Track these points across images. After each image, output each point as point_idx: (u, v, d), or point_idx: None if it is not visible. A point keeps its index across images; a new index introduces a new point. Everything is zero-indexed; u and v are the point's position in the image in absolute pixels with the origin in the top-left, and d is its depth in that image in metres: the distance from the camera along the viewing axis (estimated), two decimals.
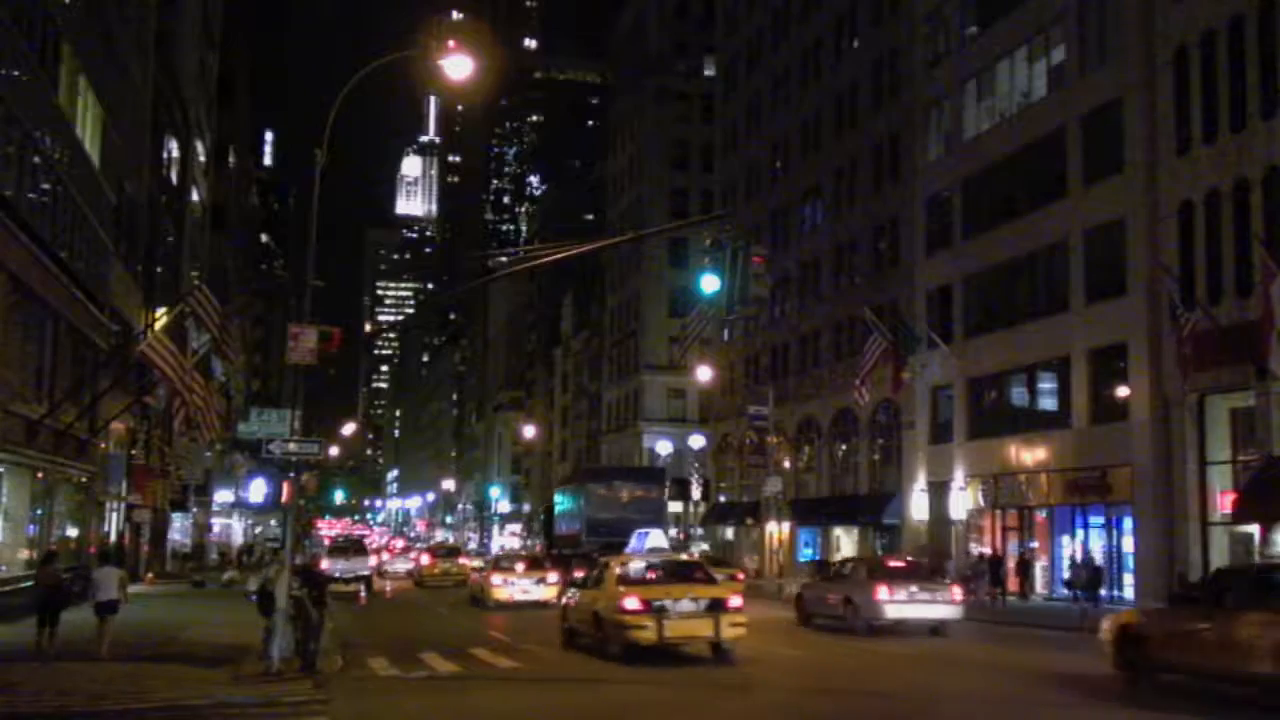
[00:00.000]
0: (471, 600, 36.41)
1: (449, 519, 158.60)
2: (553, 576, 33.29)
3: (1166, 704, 14.53)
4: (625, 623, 18.76)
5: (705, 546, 61.53)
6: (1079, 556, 36.17)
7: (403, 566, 58.25)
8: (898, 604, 23.92)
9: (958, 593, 25.40)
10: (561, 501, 56.51)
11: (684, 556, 26.77)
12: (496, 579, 34.45)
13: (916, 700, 15.65)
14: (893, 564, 27.73)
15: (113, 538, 39.64)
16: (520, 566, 36.17)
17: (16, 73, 25.71)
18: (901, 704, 15.41)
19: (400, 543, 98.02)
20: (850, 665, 19.42)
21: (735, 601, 19.36)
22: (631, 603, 18.80)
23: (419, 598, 41.25)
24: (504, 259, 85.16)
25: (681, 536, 73.18)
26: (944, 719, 14.70)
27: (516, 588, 33.74)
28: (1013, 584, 37.80)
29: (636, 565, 20.94)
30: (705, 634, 18.95)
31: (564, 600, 23.44)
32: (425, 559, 53.79)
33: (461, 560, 52.21)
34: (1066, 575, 36.42)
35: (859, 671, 18.54)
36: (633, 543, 24.74)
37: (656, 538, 24.12)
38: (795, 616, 27.32)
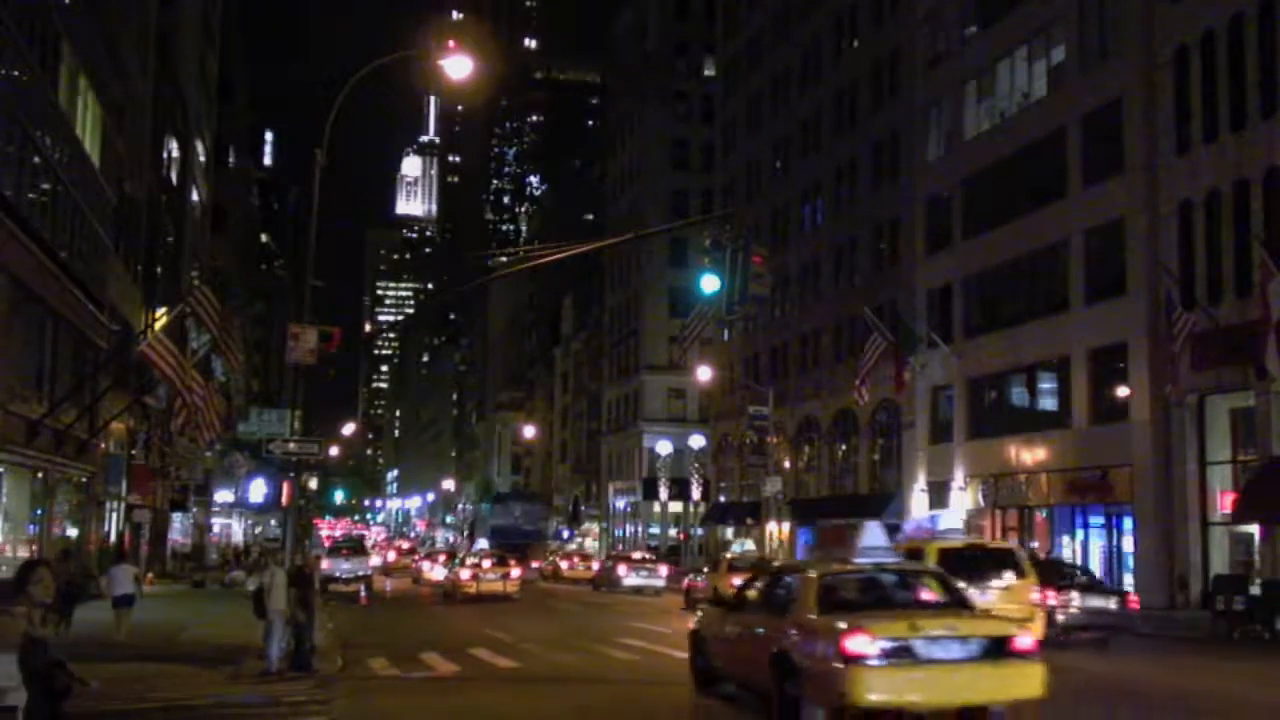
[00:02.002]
0: (414, 580, 53.18)
1: (449, 519, 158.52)
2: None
3: None
4: (461, 583, 38.76)
5: (559, 544, 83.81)
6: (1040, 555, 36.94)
7: (378, 561, 71.72)
8: (630, 577, 43.31)
9: (663, 570, 44.96)
10: (480, 513, 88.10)
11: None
12: (426, 565, 53.60)
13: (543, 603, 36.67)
14: (634, 555, 49.68)
15: (113, 538, 39.65)
16: (443, 558, 53.07)
17: (16, 73, 25.70)
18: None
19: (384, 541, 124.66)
20: (604, 601, 38.22)
21: (515, 572, 40.33)
22: (465, 573, 39.30)
23: (405, 590, 48.17)
24: (504, 259, 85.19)
25: (681, 536, 73.35)
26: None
27: (439, 572, 48.16)
28: None
29: (474, 556, 42.98)
30: (499, 589, 38.37)
31: (447, 576, 42.30)
32: (392, 555, 78.80)
33: (415, 555, 73.26)
34: None
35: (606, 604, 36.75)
36: (474, 545, 45.66)
37: (483, 543, 47.05)
38: (591, 587, 46.78)
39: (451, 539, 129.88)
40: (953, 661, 11.16)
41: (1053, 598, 20.96)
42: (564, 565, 57.26)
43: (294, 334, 18.74)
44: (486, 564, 40.48)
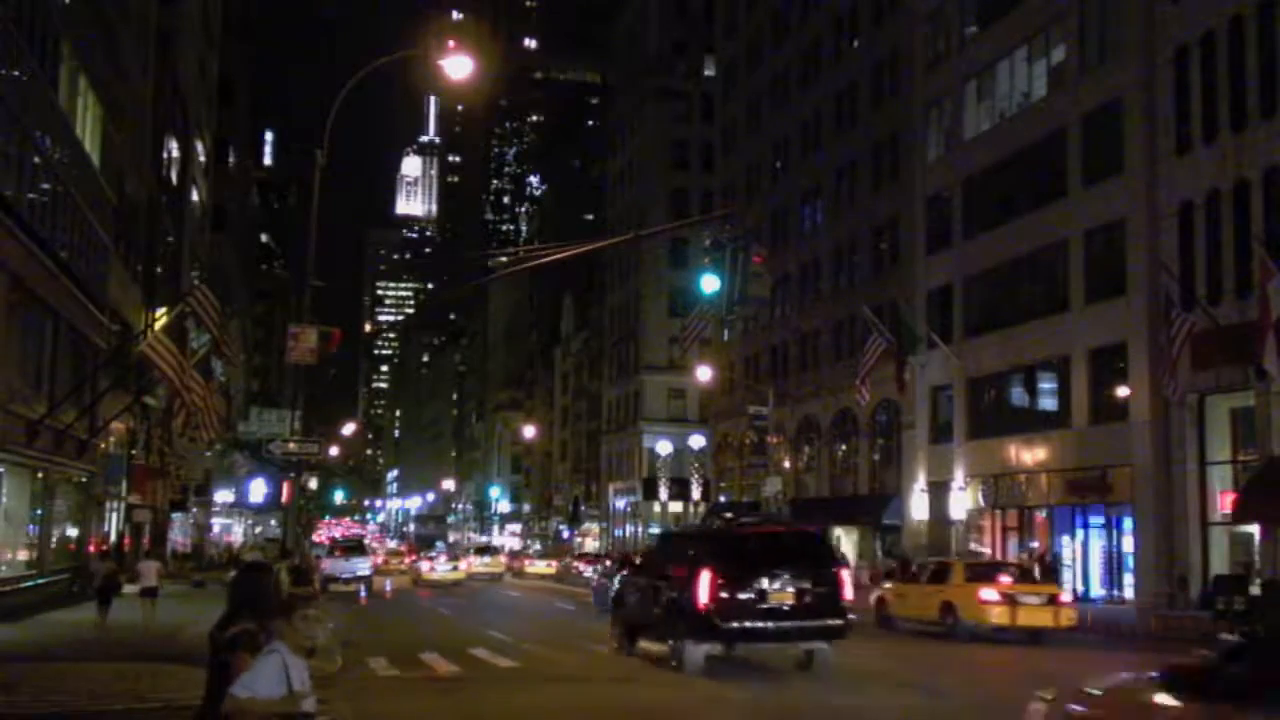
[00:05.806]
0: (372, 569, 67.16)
1: (450, 519, 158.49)
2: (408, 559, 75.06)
3: None
4: (378, 565, 60.18)
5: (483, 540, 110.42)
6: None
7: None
8: (437, 571, 55.35)
9: (503, 561, 59.90)
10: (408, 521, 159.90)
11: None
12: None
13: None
14: (430, 556, 64.94)
15: (113, 537, 39.69)
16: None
17: (16, 73, 25.68)
18: None
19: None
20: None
21: (409, 559, 70.82)
22: (380, 560, 68.75)
23: (404, 589, 47.78)
24: (504, 259, 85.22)
25: None
26: None
27: (392, 565, 69.91)
28: None
29: (385, 551, 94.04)
30: (397, 568, 66.28)
31: (372, 561, 58.04)
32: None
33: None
34: None
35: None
36: (387, 543, 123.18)
37: (392, 544, 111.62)
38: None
39: (451, 538, 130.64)
40: (448, 569, 53.72)
41: (582, 565, 53.58)
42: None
43: (294, 334, 18.77)
44: (393, 554, 79.34)
